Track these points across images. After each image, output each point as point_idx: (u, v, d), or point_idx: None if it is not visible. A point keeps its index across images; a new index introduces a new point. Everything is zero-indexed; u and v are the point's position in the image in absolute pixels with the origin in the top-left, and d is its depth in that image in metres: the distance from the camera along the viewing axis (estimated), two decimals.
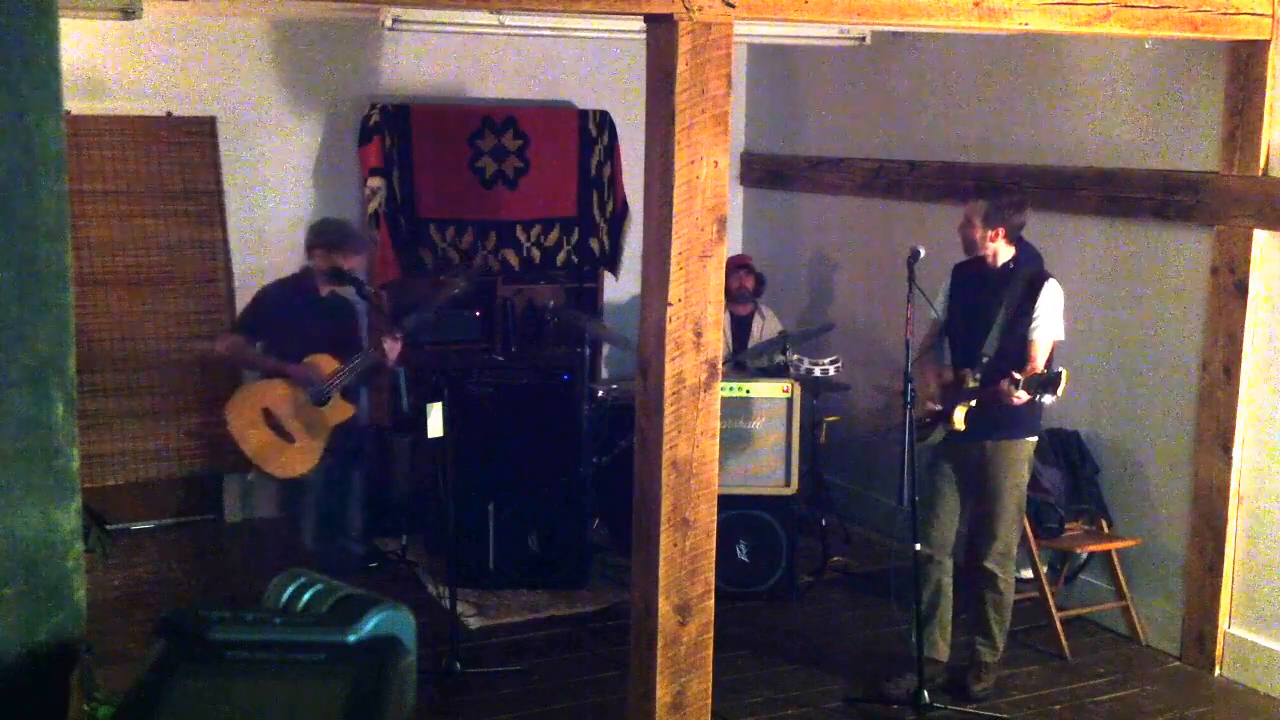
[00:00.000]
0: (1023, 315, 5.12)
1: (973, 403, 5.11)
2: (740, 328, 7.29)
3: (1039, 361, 5.08)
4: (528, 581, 6.41)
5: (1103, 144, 6.09)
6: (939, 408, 5.25)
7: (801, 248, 8.19)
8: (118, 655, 4.68)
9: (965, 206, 5.31)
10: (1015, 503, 5.28)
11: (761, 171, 8.41)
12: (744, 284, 7.20)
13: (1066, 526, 5.96)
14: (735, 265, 7.31)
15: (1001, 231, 5.16)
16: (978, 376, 5.11)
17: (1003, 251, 5.21)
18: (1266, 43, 5.29)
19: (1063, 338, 5.21)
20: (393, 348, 5.55)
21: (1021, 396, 4.90)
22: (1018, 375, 4.91)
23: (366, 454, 6.00)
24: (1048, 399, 4.89)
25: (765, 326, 7.33)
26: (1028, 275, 5.18)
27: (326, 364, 5.52)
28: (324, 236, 5.69)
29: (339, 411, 5.57)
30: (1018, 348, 5.11)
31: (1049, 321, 5.13)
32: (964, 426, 5.13)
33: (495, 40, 7.54)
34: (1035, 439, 5.31)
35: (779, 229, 8.36)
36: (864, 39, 7.13)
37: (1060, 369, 4.84)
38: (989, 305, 5.17)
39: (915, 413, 5.22)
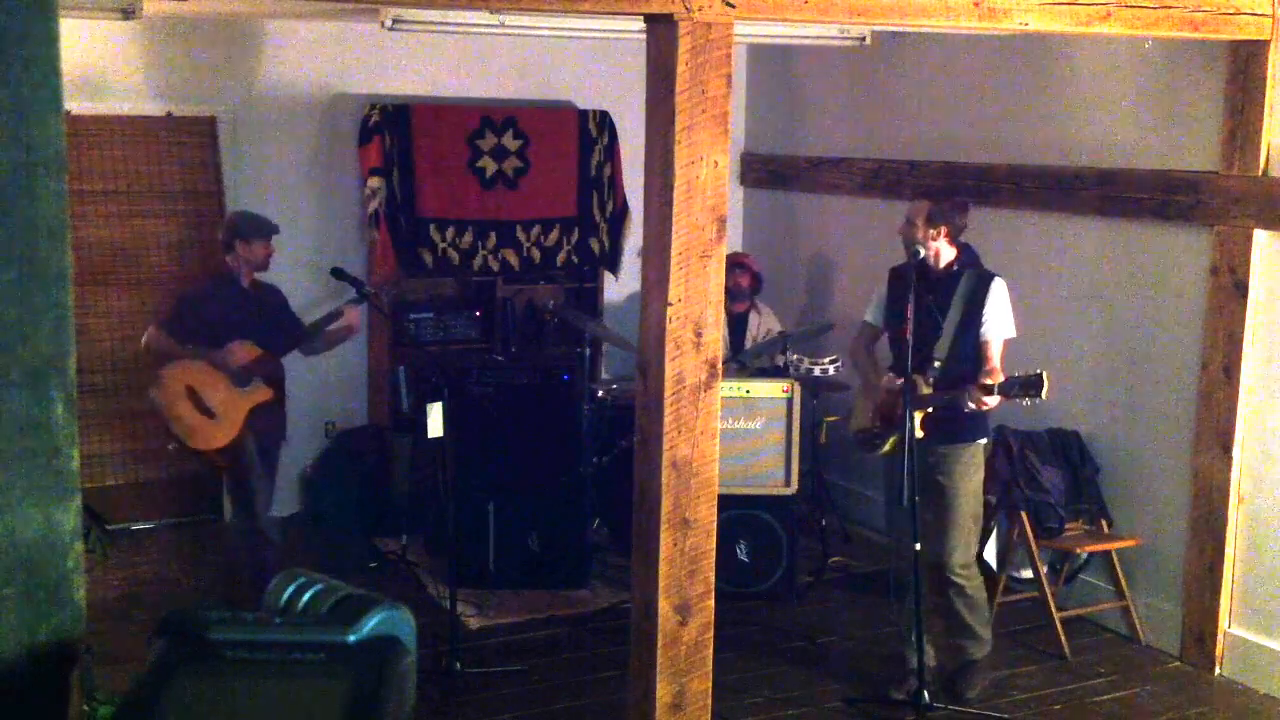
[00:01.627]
0: (973, 317, 5.09)
1: (929, 409, 5.06)
2: (736, 325, 7.28)
3: (995, 361, 5.06)
4: (528, 581, 6.41)
5: (1103, 144, 6.09)
6: (888, 421, 5.18)
7: (801, 248, 8.19)
8: (118, 655, 4.68)
9: (907, 208, 5.28)
10: (971, 509, 5.22)
11: (761, 171, 8.41)
12: (738, 282, 7.17)
13: (1066, 526, 5.96)
14: (731, 263, 7.30)
15: (944, 231, 5.12)
16: (931, 381, 5.08)
17: (945, 252, 5.16)
18: (1266, 43, 5.29)
19: (1014, 335, 5.19)
20: (352, 314, 5.98)
21: (991, 401, 4.89)
22: (988, 380, 4.88)
23: (283, 434, 6.17)
24: (1028, 401, 4.87)
25: (762, 324, 7.33)
26: (973, 276, 5.15)
27: (244, 350, 5.72)
28: (253, 227, 5.86)
29: (258, 394, 5.79)
30: (970, 350, 5.08)
31: (999, 320, 5.11)
32: (922, 433, 5.05)
33: (495, 40, 7.54)
34: (985, 441, 5.28)
35: (779, 229, 8.36)
36: (864, 39, 7.12)
37: (1040, 370, 4.81)
38: (935, 309, 5.12)
39: (858, 425, 5.20)
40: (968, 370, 5.03)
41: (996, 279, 5.16)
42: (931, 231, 5.12)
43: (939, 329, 5.11)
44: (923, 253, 5.10)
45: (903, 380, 5.07)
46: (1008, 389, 4.86)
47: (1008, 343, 5.17)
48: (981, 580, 5.38)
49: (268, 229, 5.87)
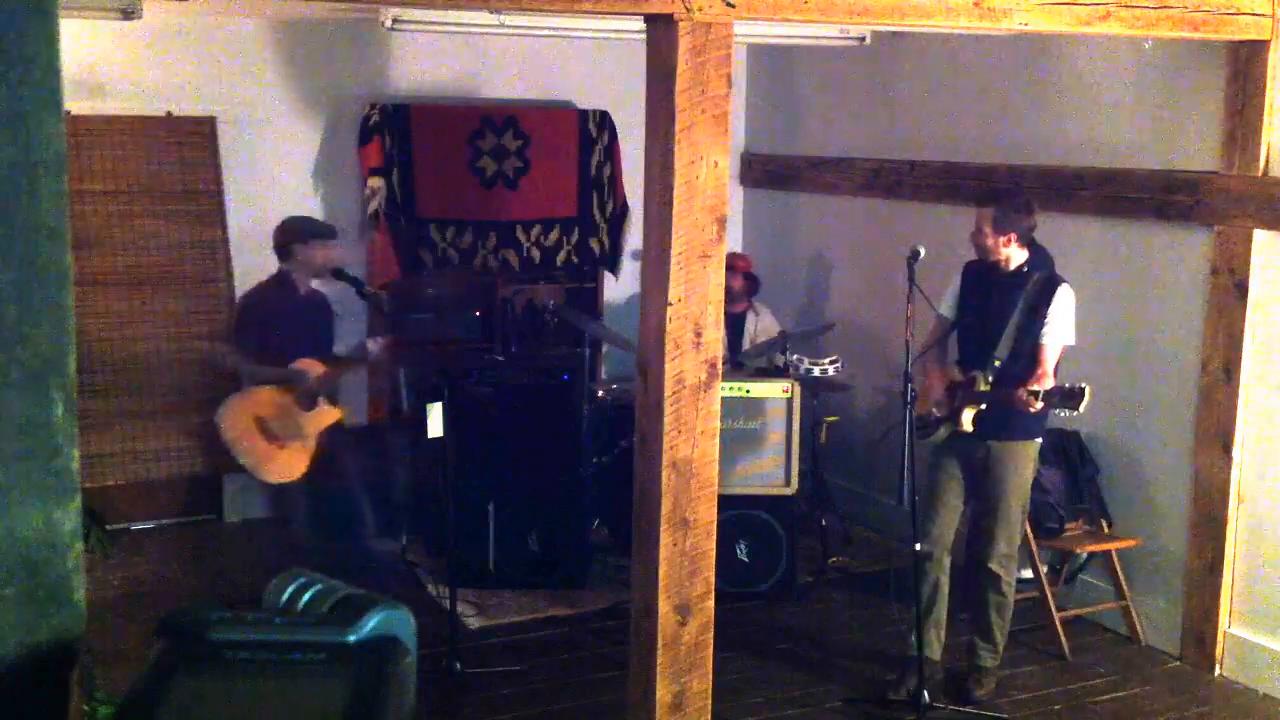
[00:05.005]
0: (1034, 320, 5.12)
1: (983, 405, 5.12)
2: (733, 326, 7.27)
3: (1048, 365, 5.09)
4: (528, 581, 6.41)
5: (1103, 144, 6.09)
6: (944, 411, 5.25)
7: (801, 248, 8.19)
8: (118, 655, 4.69)
9: (976, 214, 5.28)
10: (1019, 504, 5.27)
11: (761, 171, 8.41)
12: (730, 284, 7.12)
13: (1066, 526, 5.97)
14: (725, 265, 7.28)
15: (1013, 236, 5.15)
16: (989, 379, 5.12)
17: (1015, 255, 5.19)
18: (1266, 43, 5.29)
19: (1073, 342, 5.21)
20: (384, 346, 5.69)
21: (1039, 407, 4.92)
22: (1036, 387, 4.90)
23: (363, 452, 6.02)
24: (1067, 413, 4.91)
25: (759, 324, 7.32)
26: (1041, 279, 5.17)
27: (314, 368, 5.55)
28: (311, 229, 5.71)
29: (326, 415, 5.62)
30: (1029, 352, 5.12)
31: (1060, 326, 5.13)
32: (972, 428, 5.15)
33: (495, 40, 7.54)
34: (1039, 440, 5.32)
35: (779, 229, 8.36)
36: (864, 39, 7.13)
37: (1084, 385, 4.84)
38: (1001, 308, 5.17)
39: (919, 410, 5.24)
40: (1025, 370, 5.06)
41: (1063, 285, 5.16)
42: (1002, 239, 5.15)
43: (1001, 328, 5.14)
44: (922, 253, 5.13)
45: (962, 373, 5.22)
46: (1050, 397, 4.89)
47: (1065, 349, 5.18)
48: (1014, 582, 5.39)
49: (322, 232, 5.68)
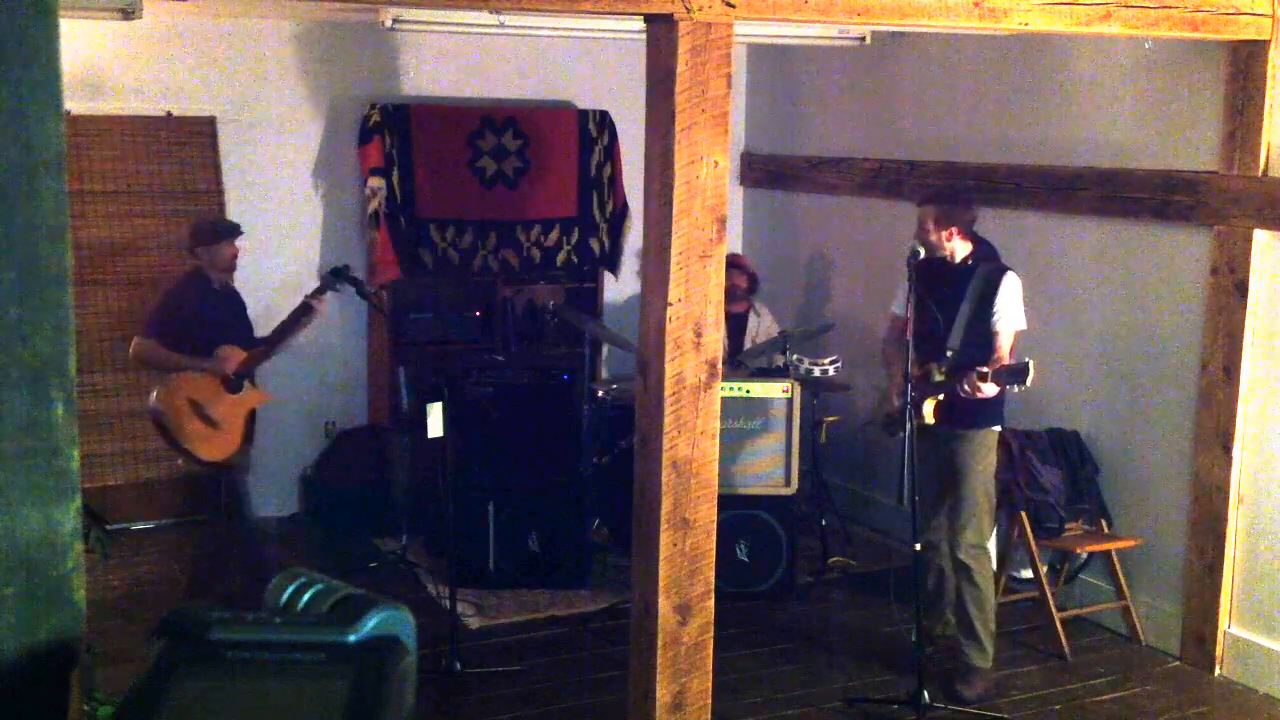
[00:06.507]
0: (985, 308, 5.25)
1: (940, 396, 5.22)
2: (735, 325, 7.28)
3: (1003, 351, 5.22)
4: (528, 581, 6.41)
5: (1103, 144, 6.09)
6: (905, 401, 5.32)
7: (801, 248, 8.19)
8: (118, 655, 4.68)
9: (917, 212, 5.42)
10: (984, 492, 5.33)
11: (761, 171, 8.41)
12: (735, 283, 7.15)
13: (1066, 526, 5.97)
14: (728, 264, 7.29)
15: (955, 230, 5.29)
16: (944, 370, 5.22)
17: (960, 248, 5.32)
18: (1266, 43, 5.30)
19: (1024, 327, 5.33)
20: (321, 304, 5.92)
21: (990, 389, 5.04)
22: (984, 369, 5.03)
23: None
24: (1016, 388, 5.05)
25: (760, 324, 7.33)
26: (987, 270, 5.30)
27: (235, 354, 5.73)
28: (219, 229, 5.93)
29: (255, 397, 5.83)
30: (982, 340, 5.23)
31: (1010, 313, 5.26)
32: (933, 419, 5.23)
33: (495, 40, 7.54)
34: (999, 428, 5.42)
35: (779, 229, 8.36)
36: (864, 39, 7.13)
37: (1027, 359, 4.97)
38: (951, 300, 5.28)
39: (888, 410, 5.31)
40: (978, 359, 5.15)
41: (1009, 273, 5.30)
42: (944, 233, 5.29)
43: (953, 320, 5.25)
44: (922, 253, 5.19)
45: (918, 366, 5.25)
46: (998, 376, 5.03)
47: (1019, 334, 5.30)
48: (991, 572, 5.45)
49: (227, 231, 5.89)
